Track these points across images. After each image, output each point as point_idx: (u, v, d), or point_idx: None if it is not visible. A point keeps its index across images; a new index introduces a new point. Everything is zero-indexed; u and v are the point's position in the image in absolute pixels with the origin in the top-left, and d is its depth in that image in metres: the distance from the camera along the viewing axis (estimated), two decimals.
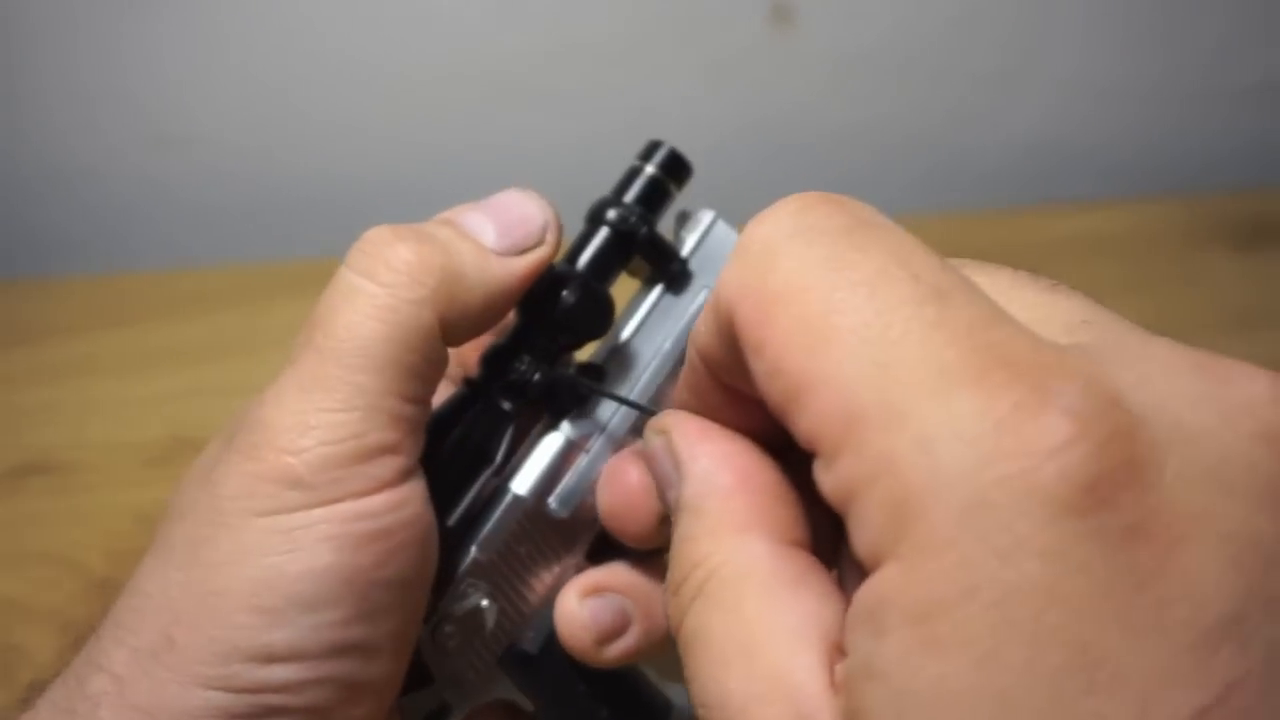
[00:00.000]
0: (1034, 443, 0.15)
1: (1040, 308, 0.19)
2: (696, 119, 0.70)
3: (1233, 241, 0.67)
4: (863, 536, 0.16)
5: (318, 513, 0.25)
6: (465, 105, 0.70)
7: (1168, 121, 0.74)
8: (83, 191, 0.71)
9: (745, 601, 0.19)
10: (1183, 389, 0.16)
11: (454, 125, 0.71)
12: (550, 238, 0.29)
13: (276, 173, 0.71)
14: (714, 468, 0.21)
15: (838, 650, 0.18)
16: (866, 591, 0.16)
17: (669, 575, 0.21)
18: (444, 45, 0.68)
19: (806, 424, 0.17)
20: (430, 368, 0.27)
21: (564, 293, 0.30)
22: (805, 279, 0.18)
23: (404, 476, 0.26)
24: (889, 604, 0.16)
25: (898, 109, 0.72)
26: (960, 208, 0.71)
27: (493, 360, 0.30)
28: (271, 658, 0.25)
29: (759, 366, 0.18)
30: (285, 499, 0.25)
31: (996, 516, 0.15)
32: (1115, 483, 0.15)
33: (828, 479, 0.17)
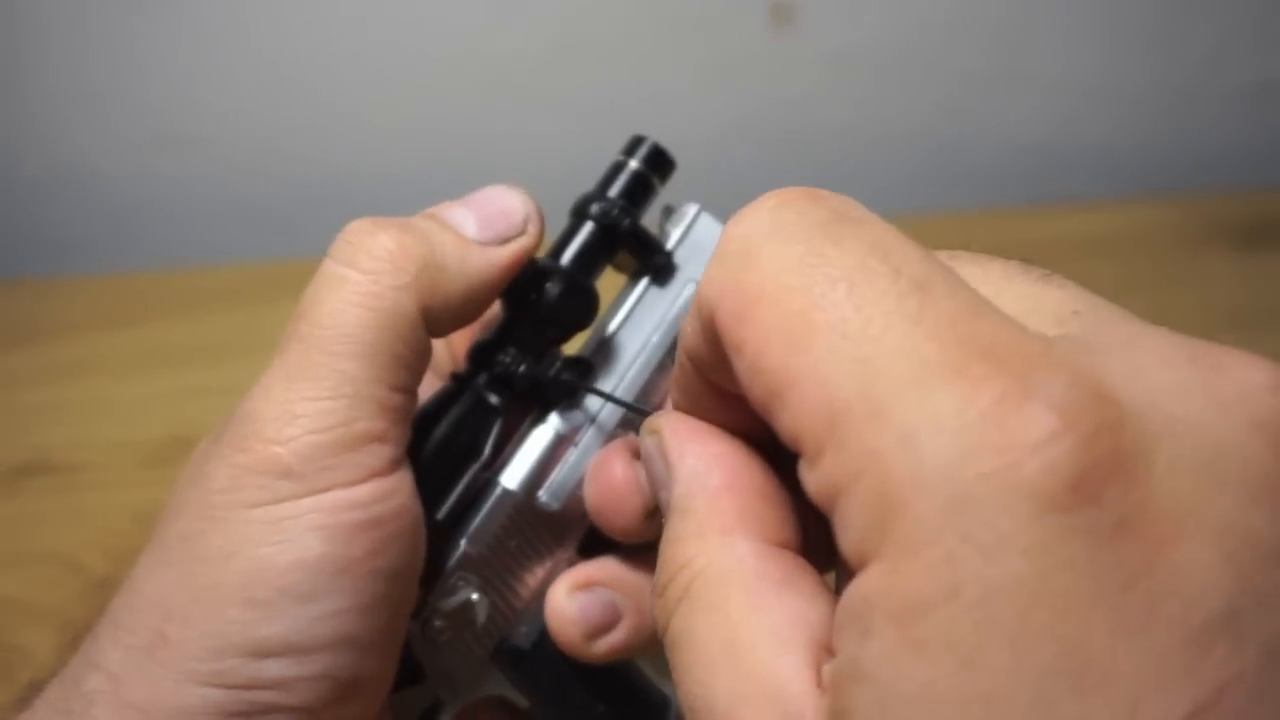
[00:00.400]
0: (1017, 436, 0.15)
1: (1030, 298, 0.18)
2: (695, 117, 0.71)
3: (1228, 242, 0.67)
4: (847, 536, 0.16)
5: (306, 502, 0.25)
6: (466, 104, 0.70)
7: (1163, 121, 0.74)
8: (84, 191, 0.71)
9: (730, 602, 0.19)
10: (1175, 379, 0.16)
11: (455, 124, 0.71)
12: (532, 229, 0.29)
13: (277, 172, 0.71)
14: (702, 468, 0.21)
15: (825, 650, 0.17)
16: (852, 591, 0.16)
17: (656, 576, 0.21)
18: (444, 45, 0.68)
19: (789, 422, 0.17)
20: (415, 356, 0.27)
21: (547, 285, 0.30)
22: (783, 277, 0.17)
23: (392, 466, 0.27)
24: (873, 605, 0.15)
25: (896, 108, 0.72)
26: (957, 207, 0.71)
27: (479, 354, 0.30)
28: (264, 653, 0.25)
29: (740, 365, 0.18)
30: (274, 489, 0.25)
31: (979, 513, 0.15)
32: (1101, 477, 0.14)
33: (812, 478, 0.17)
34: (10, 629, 0.48)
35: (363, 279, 0.27)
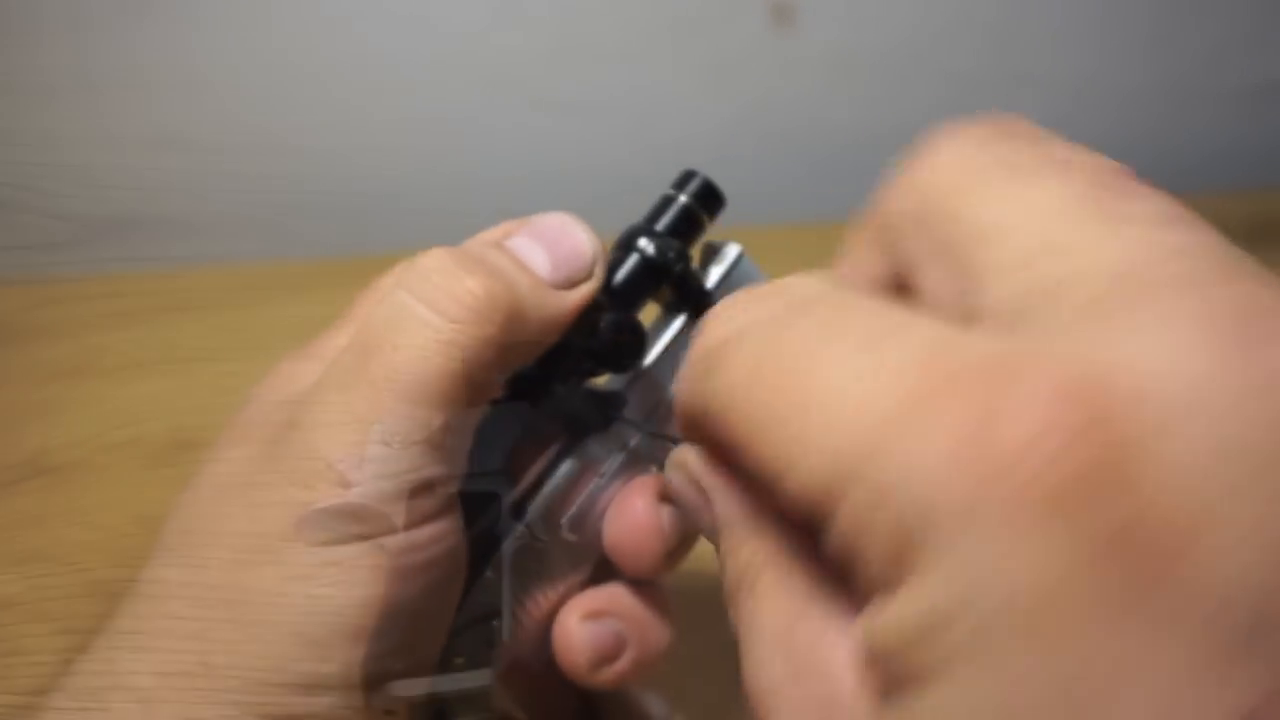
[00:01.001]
0: (1001, 449, 0.14)
1: (1090, 247, 0.17)
2: (695, 117, 0.70)
3: (1229, 242, 0.67)
4: (868, 573, 0.16)
5: (368, 544, 0.25)
6: (466, 106, 0.70)
7: (1161, 121, 0.74)
8: (83, 191, 0.71)
9: (787, 598, 0.19)
10: (1200, 357, 0.14)
11: (454, 126, 0.71)
12: (599, 270, 0.29)
13: (278, 172, 0.71)
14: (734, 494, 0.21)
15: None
16: (875, 617, 0.16)
17: (725, 585, 0.21)
18: (446, 46, 0.68)
19: (795, 494, 0.17)
20: (483, 401, 0.27)
21: (601, 325, 0.29)
22: (772, 360, 0.18)
23: (447, 508, 0.26)
24: (894, 627, 0.15)
25: (895, 107, 0.72)
26: None
27: (519, 382, 0.30)
28: (310, 687, 0.25)
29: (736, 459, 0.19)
30: (336, 530, 0.25)
31: (982, 532, 0.14)
32: (1092, 481, 0.14)
33: (828, 539, 0.17)
34: (10, 629, 0.48)
35: (447, 327, 0.26)
